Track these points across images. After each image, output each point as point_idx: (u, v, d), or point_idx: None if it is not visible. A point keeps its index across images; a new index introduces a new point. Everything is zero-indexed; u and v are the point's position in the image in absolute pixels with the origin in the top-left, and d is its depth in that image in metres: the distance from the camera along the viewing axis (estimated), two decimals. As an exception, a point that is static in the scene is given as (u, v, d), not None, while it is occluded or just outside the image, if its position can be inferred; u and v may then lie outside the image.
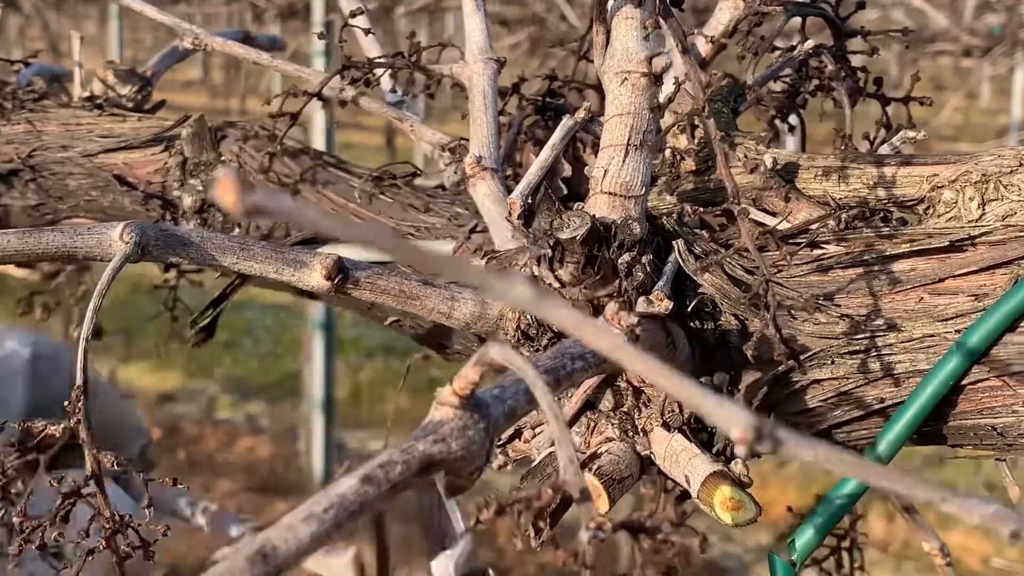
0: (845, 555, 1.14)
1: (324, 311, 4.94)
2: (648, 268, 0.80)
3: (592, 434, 0.84)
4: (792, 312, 0.80)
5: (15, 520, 0.73)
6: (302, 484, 5.05)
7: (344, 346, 6.46)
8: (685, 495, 0.81)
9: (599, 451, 0.83)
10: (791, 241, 0.82)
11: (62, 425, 0.74)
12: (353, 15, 1.09)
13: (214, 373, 6.43)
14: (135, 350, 6.48)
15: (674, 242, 0.83)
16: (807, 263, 0.82)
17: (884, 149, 1.00)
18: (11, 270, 1.31)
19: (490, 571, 0.66)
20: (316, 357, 5.07)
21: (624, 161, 0.81)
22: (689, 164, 0.95)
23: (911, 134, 0.97)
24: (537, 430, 0.88)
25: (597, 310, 0.80)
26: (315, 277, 0.79)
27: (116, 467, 0.71)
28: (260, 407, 6.06)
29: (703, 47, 0.97)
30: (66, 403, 0.71)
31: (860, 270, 0.80)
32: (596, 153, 0.85)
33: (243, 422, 5.87)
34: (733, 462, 0.79)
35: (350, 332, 6.83)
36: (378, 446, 5.31)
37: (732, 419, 0.38)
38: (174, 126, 1.15)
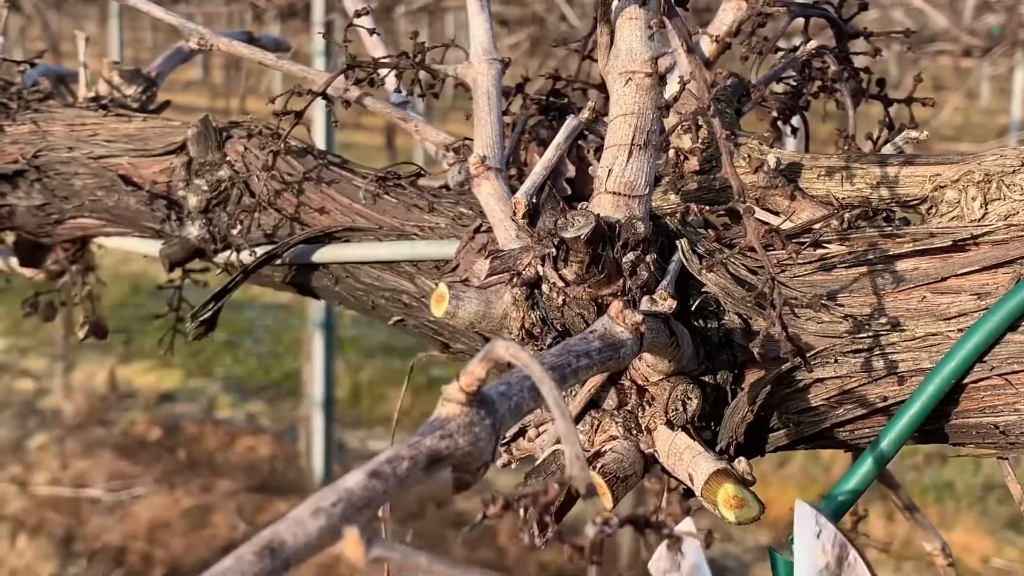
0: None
1: (324, 311, 4.95)
2: (652, 267, 0.80)
3: (596, 432, 0.84)
4: (795, 311, 0.81)
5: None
6: (302, 484, 5.06)
7: (344, 346, 6.47)
8: (688, 493, 0.81)
9: (603, 449, 0.83)
10: (795, 240, 0.83)
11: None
12: (358, 15, 1.09)
13: (214, 373, 6.43)
14: (135, 350, 6.49)
15: (678, 241, 0.83)
16: (811, 262, 0.82)
17: (887, 149, 1.00)
18: (19, 269, 1.31)
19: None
20: (316, 357, 5.07)
21: (628, 161, 0.82)
22: (693, 164, 0.95)
23: (914, 134, 0.97)
24: (541, 428, 0.88)
25: (601, 309, 0.81)
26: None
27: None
28: (260, 407, 6.06)
29: (707, 47, 0.98)
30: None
31: (863, 269, 0.81)
32: (600, 153, 0.86)
33: (243, 422, 5.87)
34: (736, 460, 0.80)
35: (350, 332, 6.83)
36: (377, 445, 5.32)
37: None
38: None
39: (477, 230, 0.94)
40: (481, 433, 0.53)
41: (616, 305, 0.70)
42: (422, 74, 1.08)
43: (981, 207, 0.84)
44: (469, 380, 0.53)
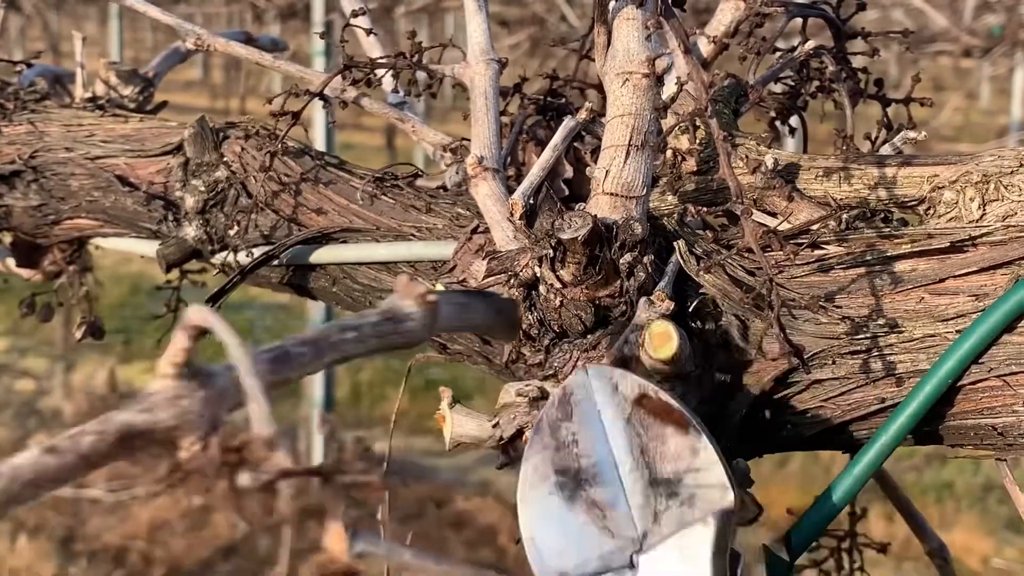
0: (844, 555, 1.14)
1: (324, 311, 4.94)
2: (650, 268, 0.80)
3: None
4: (793, 312, 0.81)
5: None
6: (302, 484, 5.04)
7: (344, 346, 6.44)
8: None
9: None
10: (793, 241, 0.82)
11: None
12: (355, 15, 1.09)
13: (214, 373, 6.41)
14: (135, 350, 6.48)
15: (675, 242, 0.83)
16: (808, 263, 0.82)
17: (885, 150, 1.00)
18: (16, 269, 1.31)
19: None
20: (316, 357, 5.05)
21: (626, 162, 0.81)
22: (691, 165, 0.95)
23: (912, 135, 0.97)
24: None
25: (599, 310, 0.81)
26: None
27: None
28: (260, 407, 6.04)
29: (705, 47, 0.98)
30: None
31: (861, 270, 0.81)
32: (597, 154, 0.86)
33: (243, 422, 5.86)
34: (735, 462, 0.79)
35: (350, 332, 6.81)
36: (378, 446, 5.30)
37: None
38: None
39: (474, 231, 0.94)
40: (192, 405, 0.51)
41: (403, 279, 0.63)
42: (419, 74, 1.08)
43: (979, 208, 0.84)
44: (174, 352, 0.51)
